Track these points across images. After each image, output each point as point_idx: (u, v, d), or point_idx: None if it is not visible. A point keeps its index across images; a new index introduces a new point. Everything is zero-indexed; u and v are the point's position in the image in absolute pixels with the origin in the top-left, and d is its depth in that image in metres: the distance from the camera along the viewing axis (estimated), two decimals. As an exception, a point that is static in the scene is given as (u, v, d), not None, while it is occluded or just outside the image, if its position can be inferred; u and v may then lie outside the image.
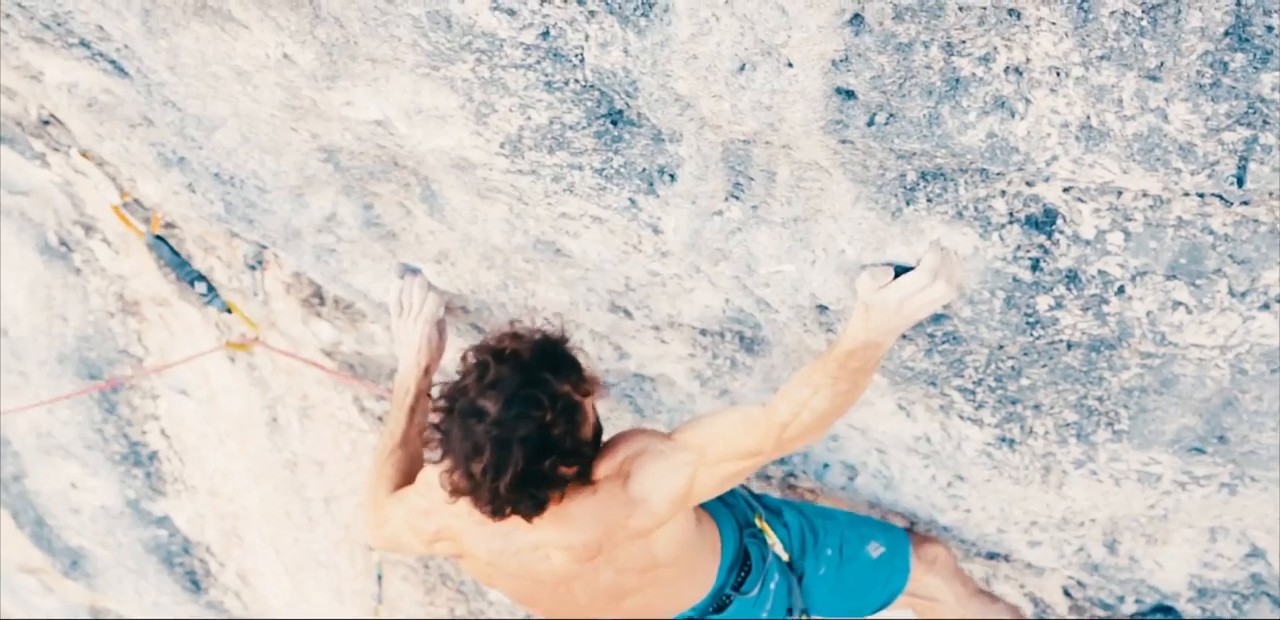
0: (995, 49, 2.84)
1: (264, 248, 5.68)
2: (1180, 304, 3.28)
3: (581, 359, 3.78)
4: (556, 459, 3.62)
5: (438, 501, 3.94)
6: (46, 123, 5.88)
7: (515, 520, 3.77)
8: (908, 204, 3.25)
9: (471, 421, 3.59)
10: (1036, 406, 3.90)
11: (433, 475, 4.00)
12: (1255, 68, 2.67)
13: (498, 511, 3.68)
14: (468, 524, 3.93)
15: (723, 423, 3.77)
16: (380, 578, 7.57)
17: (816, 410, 3.54)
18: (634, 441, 3.85)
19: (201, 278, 5.93)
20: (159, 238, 5.95)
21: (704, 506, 4.13)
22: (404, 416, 4.42)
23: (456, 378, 3.72)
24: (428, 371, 4.48)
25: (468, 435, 3.59)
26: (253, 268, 5.91)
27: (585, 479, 3.79)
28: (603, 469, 3.81)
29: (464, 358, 3.72)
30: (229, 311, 5.87)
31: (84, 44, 4.27)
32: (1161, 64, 2.68)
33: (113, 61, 4.29)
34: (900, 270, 3.39)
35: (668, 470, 3.76)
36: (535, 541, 3.88)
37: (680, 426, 3.89)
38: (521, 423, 3.56)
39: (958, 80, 2.90)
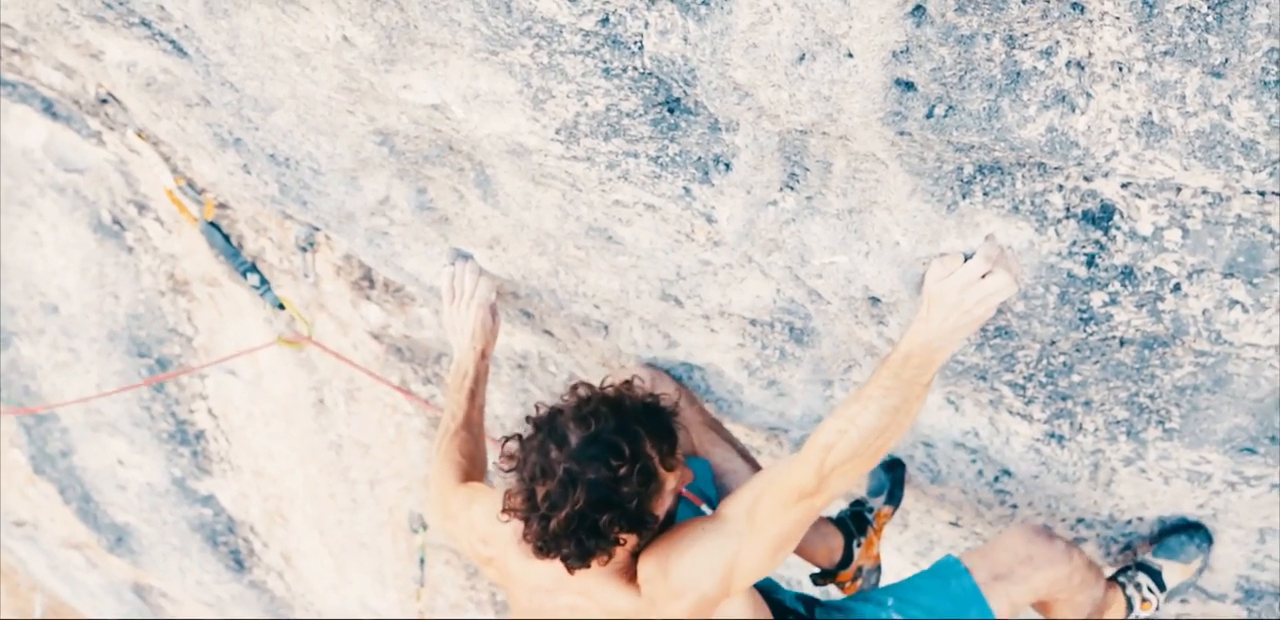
0: (1057, 43, 2.82)
1: (316, 230, 5.70)
2: (1237, 303, 3.26)
3: (682, 437, 3.64)
4: (616, 516, 3.45)
5: (499, 532, 3.85)
6: (104, 101, 5.92)
7: (561, 577, 3.66)
8: (964, 197, 3.24)
9: (551, 446, 3.48)
10: (1087, 403, 3.89)
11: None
12: (1321, 66, 2.66)
13: (542, 548, 3.53)
14: (519, 564, 3.83)
15: (766, 475, 3.61)
16: (423, 561, 7.60)
17: (863, 427, 3.35)
18: (678, 537, 3.67)
19: (254, 269, 5.95)
20: (213, 224, 5.98)
21: None
22: (464, 399, 4.42)
23: (560, 403, 3.63)
24: (484, 355, 4.50)
25: (543, 458, 3.48)
26: (304, 249, 5.94)
27: (636, 555, 3.65)
28: (646, 568, 3.65)
29: (573, 388, 3.62)
30: (281, 308, 5.88)
31: (145, 23, 4.29)
32: (1226, 60, 2.66)
33: (172, 41, 4.31)
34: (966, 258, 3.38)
35: (713, 546, 3.58)
36: (573, 605, 3.77)
37: (729, 500, 3.69)
38: (595, 465, 3.42)
39: (1019, 73, 2.89)
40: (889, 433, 3.38)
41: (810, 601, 4.26)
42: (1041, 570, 4.27)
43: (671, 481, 3.58)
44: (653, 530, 3.60)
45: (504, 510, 3.60)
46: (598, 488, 3.42)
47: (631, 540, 3.56)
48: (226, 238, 6.04)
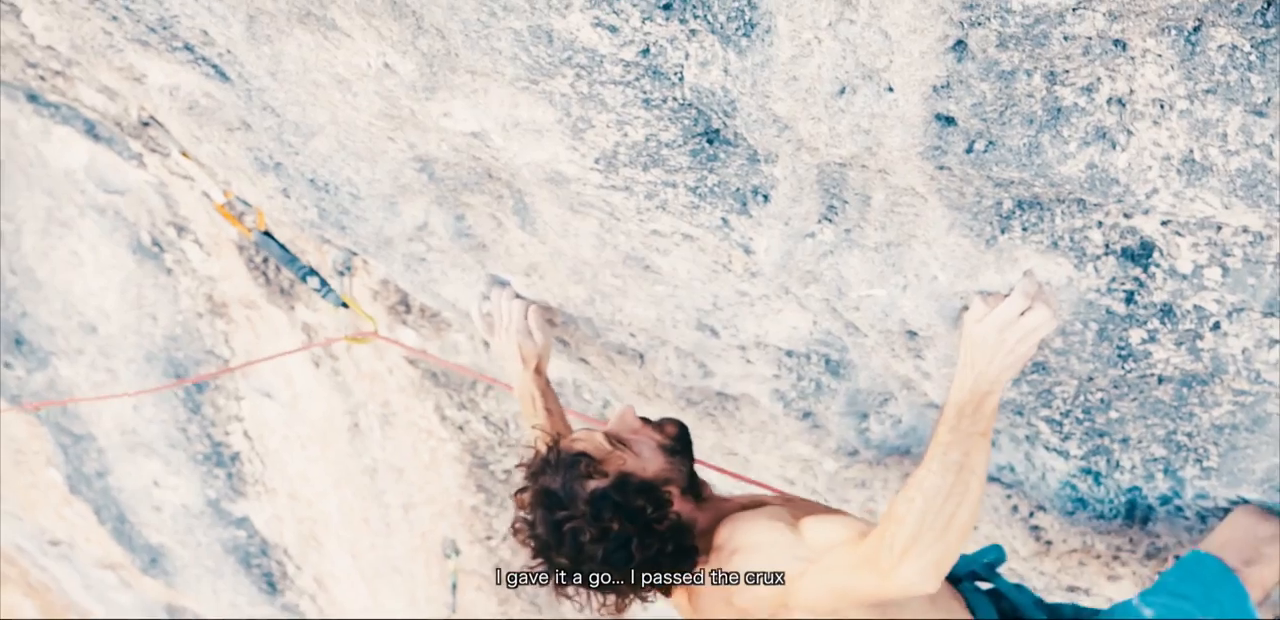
0: (1099, 79, 2.81)
1: (354, 254, 5.72)
2: (1277, 342, 3.24)
3: (581, 437, 3.70)
4: (642, 537, 3.50)
5: None
6: (146, 124, 5.95)
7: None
8: (1003, 232, 3.22)
9: (572, 575, 3.54)
10: (1124, 440, 3.86)
11: None
12: (1364, 106, 2.64)
13: (663, 593, 3.62)
14: None
15: (857, 526, 3.45)
16: (455, 587, 7.59)
17: (929, 491, 3.14)
18: (760, 526, 3.60)
19: (314, 272, 5.98)
20: (267, 234, 6.00)
21: None
22: (544, 416, 4.48)
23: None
24: (539, 372, 4.52)
25: (581, 585, 3.55)
26: (341, 274, 5.95)
27: (697, 500, 3.68)
28: (720, 536, 3.63)
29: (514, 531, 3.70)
30: (345, 306, 5.92)
31: (188, 48, 4.31)
32: (1269, 99, 2.65)
33: (215, 66, 4.32)
34: None
35: (779, 559, 3.48)
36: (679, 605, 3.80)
37: (814, 520, 3.56)
38: (592, 549, 3.48)
39: (1059, 110, 2.87)
40: (957, 494, 3.16)
41: (1054, 609, 4.17)
42: None
43: (628, 464, 3.60)
44: (678, 481, 3.65)
45: (615, 613, 3.64)
46: (616, 555, 3.47)
47: (679, 500, 3.60)
48: (282, 246, 6.07)
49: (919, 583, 3.18)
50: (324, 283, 5.99)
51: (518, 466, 3.72)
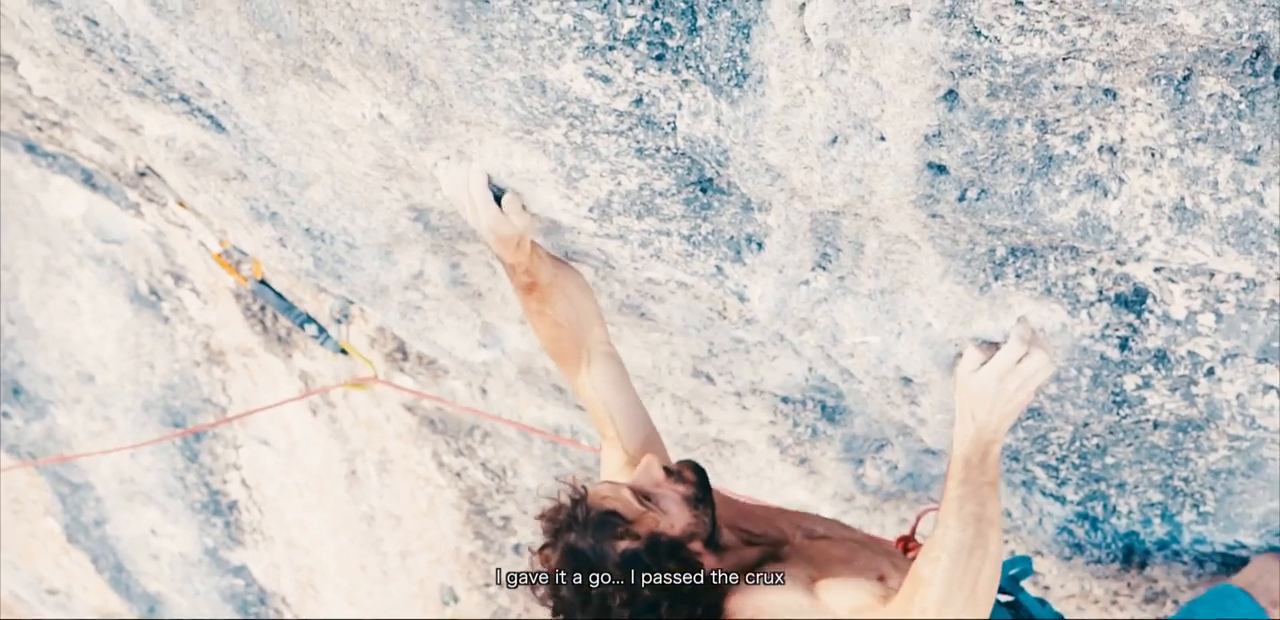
0: (1090, 128, 2.82)
1: (350, 303, 5.72)
2: (1271, 388, 3.24)
3: (608, 493, 3.46)
4: (672, 601, 3.36)
5: None
6: (143, 174, 5.96)
7: None
8: (996, 279, 3.23)
9: None
10: (1121, 485, 3.86)
11: None
12: (1354, 153, 2.65)
13: None
14: None
15: (874, 590, 3.33)
16: (453, 634, 7.55)
17: (951, 547, 3.05)
18: (774, 597, 3.44)
19: (311, 319, 5.99)
20: (263, 282, 6.02)
21: None
22: (519, 294, 3.90)
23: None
24: (519, 246, 3.81)
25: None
26: (338, 322, 5.96)
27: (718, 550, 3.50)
28: (733, 603, 3.46)
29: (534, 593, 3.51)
30: (344, 352, 5.92)
31: (184, 99, 4.33)
32: (1259, 148, 2.66)
33: (211, 117, 4.34)
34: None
35: None
36: None
37: (832, 584, 3.43)
38: (620, 613, 3.33)
39: (1051, 158, 2.88)
40: (980, 548, 3.08)
41: None
42: None
43: (658, 523, 3.43)
44: (702, 534, 3.46)
45: None
46: (648, 613, 3.34)
47: (704, 555, 3.45)
48: (279, 294, 6.09)
49: None
50: (322, 329, 6.00)
51: (538, 517, 3.58)
